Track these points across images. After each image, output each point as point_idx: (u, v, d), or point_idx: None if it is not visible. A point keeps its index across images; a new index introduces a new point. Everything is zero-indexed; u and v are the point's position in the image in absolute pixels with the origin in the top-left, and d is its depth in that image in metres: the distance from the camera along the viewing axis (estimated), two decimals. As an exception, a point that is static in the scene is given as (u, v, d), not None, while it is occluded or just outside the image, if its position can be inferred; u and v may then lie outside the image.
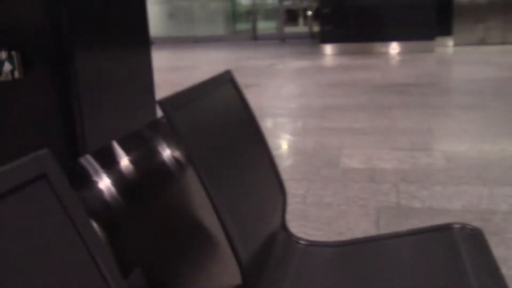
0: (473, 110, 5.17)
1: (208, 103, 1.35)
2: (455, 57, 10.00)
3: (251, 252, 1.24)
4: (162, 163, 1.35)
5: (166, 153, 1.40)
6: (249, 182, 1.39)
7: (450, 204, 2.83)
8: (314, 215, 2.76)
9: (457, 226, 1.54)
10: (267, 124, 5.02)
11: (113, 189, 1.11)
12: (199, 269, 1.35)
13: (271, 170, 1.56)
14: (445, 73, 8.14)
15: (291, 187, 3.21)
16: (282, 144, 4.31)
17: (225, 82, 1.51)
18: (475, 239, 1.49)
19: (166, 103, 1.11)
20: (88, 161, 1.17)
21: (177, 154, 1.43)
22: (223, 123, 1.39)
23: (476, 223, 2.51)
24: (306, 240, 1.58)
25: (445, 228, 1.55)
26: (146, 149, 1.35)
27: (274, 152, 4.07)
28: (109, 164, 1.18)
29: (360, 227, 2.59)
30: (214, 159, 1.22)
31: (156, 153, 1.36)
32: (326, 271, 1.43)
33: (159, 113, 1.27)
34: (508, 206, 2.77)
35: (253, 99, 6.47)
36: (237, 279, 1.45)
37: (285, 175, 3.42)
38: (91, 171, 1.13)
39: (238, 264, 1.17)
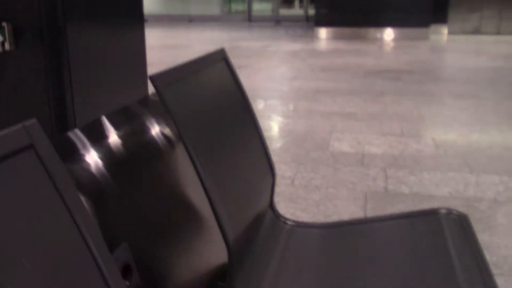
0: (465, 98, 5.19)
1: (201, 81, 1.34)
2: (449, 45, 10.00)
3: (238, 231, 1.24)
4: (151, 139, 1.34)
5: (156, 130, 1.39)
6: (239, 161, 1.39)
7: (437, 191, 2.85)
8: (303, 197, 2.77)
9: (443, 211, 1.56)
10: (258, 106, 5.01)
11: (100, 163, 1.10)
12: (186, 247, 1.36)
13: (261, 150, 1.57)
14: (439, 61, 8.15)
15: (280, 169, 3.22)
16: (273, 126, 4.31)
17: (219, 60, 1.50)
18: (460, 224, 1.50)
19: (157, 78, 1.10)
20: (77, 135, 1.16)
21: (167, 131, 1.42)
22: (215, 101, 1.38)
23: (462, 210, 2.53)
24: (294, 221, 1.59)
25: (432, 213, 1.56)
26: (135, 125, 1.34)
27: (266, 134, 4.07)
28: (98, 138, 1.17)
29: (347, 210, 2.61)
30: (205, 137, 1.22)
31: (145, 130, 1.35)
32: (312, 252, 1.44)
33: (151, 90, 1.26)
34: (494, 194, 2.80)
35: (245, 80, 6.46)
36: (224, 257, 1.46)
37: (275, 157, 3.44)
38: (79, 145, 1.12)
39: (226, 242, 1.17)
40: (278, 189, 2.88)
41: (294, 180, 3.03)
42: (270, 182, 1.57)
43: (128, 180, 1.16)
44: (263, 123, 4.36)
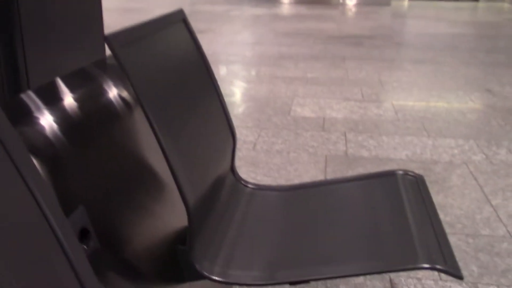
0: (424, 64, 5.28)
1: (158, 42, 1.31)
2: (410, 11, 10.08)
3: (198, 194, 1.24)
4: (108, 102, 1.31)
5: (113, 92, 1.35)
6: (199, 125, 1.37)
7: (395, 154, 2.92)
8: (264, 162, 2.79)
9: (400, 172, 1.60)
10: (220, 71, 4.96)
11: (55, 126, 1.07)
12: (145, 210, 1.35)
13: (222, 115, 1.55)
14: (399, 27, 8.22)
15: (242, 134, 3.22)
16: (235, 91, 4.28)
17: (177, 21, 1.46)
18: (416, 185, 1.54)
19: (113, 39, 1.06)
20: (30, 97, 1.12)
21: (125, 94, 1.39)
22: (173, 64, 1.35)
23: (418, 172, 2.61)
24: (254, 184, 1.60)
25: (389, 174, 1.60)
26: (91, 88, 1.31)
27: (227, 99, 4.05)
28: (52, 101, 1.13)
29: (308, 173, 2.64)
30: (163, 100, 1.19)
31: (102, 92, 1.31)
32: (272, 214, 1.46)
33: (109, 53, 1.22)
34: (449, 157, 2.88)
35: (207, 45, 6.37)
36: (184, 221, 1.46)
37: (236, 122, 3.43)
38: (32, 107, 1.08)
39: (185, 206, 1.17)
40: (240, 154, 2.88)
41: (255, 144, 3.04)
42: (231, 146, 1.57)
43: (84, 143, 1.13)
44: (225, 88, 4.33)
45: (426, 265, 1.13)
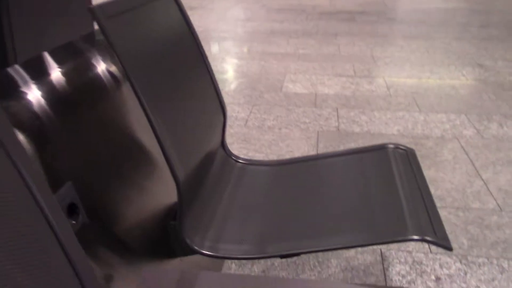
0: (416, 39, 5.25)
1: (146, 16, 1.28)
2: (402, -14, 9.99)
3: (188, 170, 1.23)
4: (96, 76, 1.29)
5: (101, 67, 1.33)
6: (188, 101, 1.36)
7: (387, 129, 2.92)
8: (256, 138, 2.78)
9: (391, 146, 1.59)
10: (212, 48, 4.91)
11: (42, 101, 1.06)
12: (135, 186, 1.34)
13: (212, 90, 1.54)
14: (392, 3, 8.14)
15: (234, 110, 3.20)
16: (226, 68, 4.25)
17: (165, -5, 1.43)
18: (407, 158, 1.54)
19: (98, 10, 1.04)
20: (17, 71, 1.10)
21: (113, 68, 1.37)
22: (162, 38, 1.33)
23: (409, 146, 2.61)
24: (244, 159, 1.59)
25: (380, 148, 1.60)
26: (79, 62, 1.28)
27: (219, 76, 4.02)
28: (39, 75, 1.11)
29: (300, 149, 2.64)
30: (152, 74, 1.18)
31: (90, 66, 1.29)
32: (263, 189, 1.46)
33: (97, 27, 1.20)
34: (440, 132, 2.89)
35: (198, 21, 6.29)
36: (175, 196, 1.45)
37: (228, 99, 3.41)
38: (19, 81, 1.06)
39: (175, 181, 1.16)
40: (231, 130, 2.87)
41: (247, 121, 3.03)
42: (221, 121, 1.56)
43: (72, 118, 1.12)
44: (217, 65, 4.29)
45: (416, 237, 1.13)
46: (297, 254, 1.15)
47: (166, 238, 1.39)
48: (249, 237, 1.23)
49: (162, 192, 1.48)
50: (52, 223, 0.77)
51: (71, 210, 1.03)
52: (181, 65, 1.39)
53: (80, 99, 1.19)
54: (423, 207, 1.27)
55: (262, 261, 1.80)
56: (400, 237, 1.14)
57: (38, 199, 0.76)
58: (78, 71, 1.25)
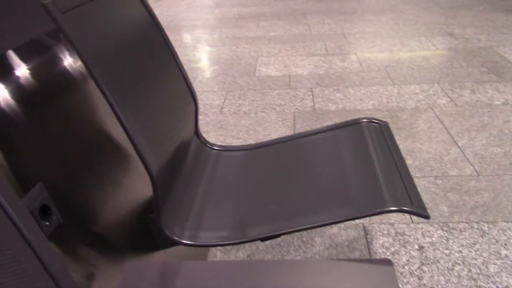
0: (385, 13, 5.26)
1: (105, 8, 1.25)
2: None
3: (162, 161, 1.22)
4: (64, 71, 1.26)
5: (68, 61, 1.30)
6: (156, 91, 1.33)
7: (362, 105, 2.93)
8: (232, 124, 2.77)
9: (364, 120, 1.60)
10: (182, 37, 4.86)
11: (9, 99, 1.03)
12: (111, 181, 1.32)
13: (180, 79, 1.51)
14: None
15: (208, 98, 3.18)
16: (198, 56, 4.21)
17: (124, -15, 1.40)
18: (381, 131, 1.55)
19: (51, 6, 1.01)
20: None
21: (80, 62, 1.34)
22: (123, 29, 1.30)
23: (385, 119, 2.62)
24: (220, 146, 1.58)
25: (354, 123, 1.60)
26: (45, 58, 1.25)
27: (191, 65, 3.97)
28: (5, 73, 1.08)
29: (277, 132, 2.64)
30: (114, 67, 1.15)
31: (56, 62, 1.26)
32: (240, 174, 1.45)
33: None
34: (414, 103, 2.91)
35: (167, 11, 6.21)
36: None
37: (202, 87, 3.39)
38: None
39: (149, 174, 1.15)
40: (207, 119, 2.85)
41: (223, 108, 3.01)
42: (193, 109, 1.54)
43: (40, 116, 1.09)
44: (188, 54, 4.25)
45: (394, 208, 1.14)
46: (278, 236, 1.15)
47: (147, 231, 1.38)
48: (228, 223, 1.23)
49: (140, 185, 1.46)
50: (22, 229, 0.75)
51: (44, 212, 1.01)
52: (146, 56, 1.37)
53: (48, 95, 1.17)
54: (399, 179, 1.27)
55: (247, 246, 1.80)
56: (378, 210, 1.15)
57: (3, 206, 0.74)
58: (44, 67, 1.22)
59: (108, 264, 1.22)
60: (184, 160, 1.41)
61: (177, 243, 1.18)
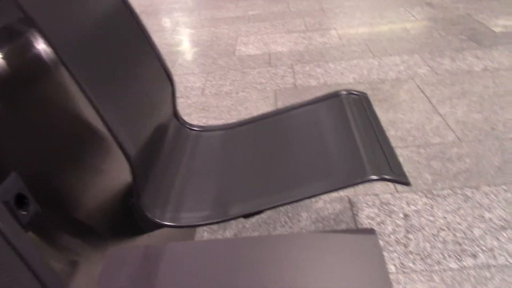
0: (363, -14, 5.23)
1: None
2: None
3: (140, 145, 1.20)
4: (38, 58, 1.23)
5: (42, 47, 1.28)
6: (131, 75, 1.31)
7: (343, 79, 2.92)
8: (214, 105, 2.75)
9: (344, 93, 1.59)
10: (161, 21, 4.79)
11: None
12: (90, 168, 1.30)
13: (155, 60, 1.49)
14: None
15: (189, 81, 3.15)
16: (178, 39, 4.16)
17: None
18: (360, 102, 1.54)
19: None
20: None
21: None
22: (93, 14, 1.27)
23: (367, 92, 2.62)
24: (199, 126, 1.56)
25: (333, 96, 1.59)
26: (18, 44, 1.22)
27: (171, 49, 3.93)
28: None
29: (259, 110, 2.62)
30: (87, 54, 1.13)
31: (30, 48, 1.23)
32: (220, 153, 1.44)
33: None
34: (395, 74, 2.91)
35: (142, -5, 6.09)
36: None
37: (183, 70, 3.35)
38: None
39: (127, 159, 1.13)
40: (189, 101, 2.83)
41: (204, 90, 2.98)
42: (170, 90, 1.52)
43: (14, 103, 1.07)
44: (167, 37, 4.20)
45: (374, 177, 1.14)
46: (260, 211, 1.15)
47: (130, 216, 1.37)
48: (210, 202, 1.22)
49: (120, 170, 1.45)
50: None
51: (20, 201, 0.99)
52: (119, 41, 1.34)
53: (21, 82, 1.14)
54: (379, 148, 1.27)
55: (233, 225, 1.80)
56: (359, 179, 1.15)
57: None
58: (17, 54, 1.19)
59: (91, 251, 1.21)
60: (163, 142, 1.40)
61: (159, 226, 1.18)
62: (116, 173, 1.43)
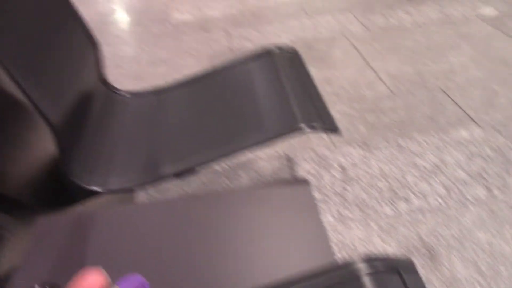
0: None
1: None
2: None
3: (63, 112, 1.15)
4: None
5: None
6: (52, 44, 1.25)
7: (279, 40, 2.91)
8: (150, 73, 2.68)
9: (275, 50, 1.58)
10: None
11: None
12: (13, 141, 1.25)
13: (76, 24, 1.42)
14: None
15: (122, 50, 3.05)
16: (109, 8, 4.00)
17: None
18: (291, 59, 1.54)
19: None
20: None
21: None
22: None
23: (302, 51, 2.63)
24: (128, 91, 1.52)
25: (265, 54, 1.58)
26: None
27: (103, 19, 3.77)
28: None
29: (195, 76, 2.58)
30: (1, 23, 1.06)
31: None
32: (150, 116, 1.41)
33: None
34: (329, 33, 2.92)
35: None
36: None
37: (115, 40, 3.24)
38: None
39: (49, 127, 1.09)
40: (123, 70, 2.75)
41: (138, 58, 2.90)
42: (93, 55, 1.46)
43: None
44: (98, 7, 4.03)
45: (304, 126, 1.14)
46: (192, 169, 1.13)
47: (61, 187, 1.33)
48: (141, 165, 1.19)
49: (48, 140, 1.39)
50: None
51: None
52: (37, 9, 1.27)
53: None
54: (310, 102, 1.28)
55: (173, 190, 1.78)
56: (290, 129, 1.15)
57: None
58: None
59: (22, 226, 1.16)
60: (91, 109, 1.35)
61: (89, 192, 1.14)
62: (43, 144, 1.37)
